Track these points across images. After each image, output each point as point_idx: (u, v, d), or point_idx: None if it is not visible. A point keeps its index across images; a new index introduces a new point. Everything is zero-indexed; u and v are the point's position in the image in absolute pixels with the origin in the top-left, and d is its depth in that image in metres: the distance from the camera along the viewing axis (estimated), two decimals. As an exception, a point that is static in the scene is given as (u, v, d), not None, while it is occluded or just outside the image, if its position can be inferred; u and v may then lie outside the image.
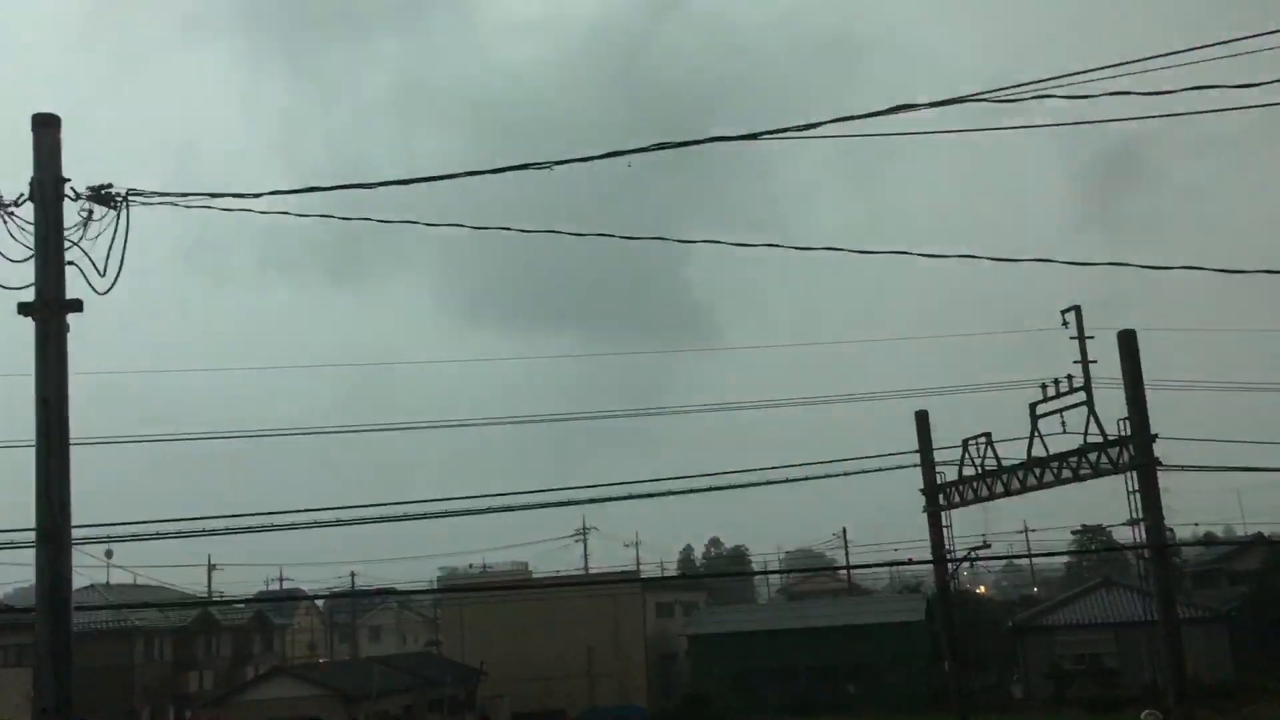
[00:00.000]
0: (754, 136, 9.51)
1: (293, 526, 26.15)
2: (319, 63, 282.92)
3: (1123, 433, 29.27)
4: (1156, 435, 28.92)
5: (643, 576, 76.40)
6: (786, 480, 29.44)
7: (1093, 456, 30.35)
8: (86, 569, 68.88)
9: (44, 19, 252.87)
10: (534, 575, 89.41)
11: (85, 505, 10.29)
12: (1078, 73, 8.88)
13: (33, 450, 10.01)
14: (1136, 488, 28.80)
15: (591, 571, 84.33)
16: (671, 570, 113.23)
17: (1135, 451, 28.82)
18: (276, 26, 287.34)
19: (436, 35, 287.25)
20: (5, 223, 10.04)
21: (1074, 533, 79.98)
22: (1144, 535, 28.69)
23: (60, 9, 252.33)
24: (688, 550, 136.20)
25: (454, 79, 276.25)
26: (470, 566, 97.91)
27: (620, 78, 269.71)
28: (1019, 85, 8.88)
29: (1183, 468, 30.83)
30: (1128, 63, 8.84)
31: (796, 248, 11.28)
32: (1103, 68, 8.81)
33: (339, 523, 25.36)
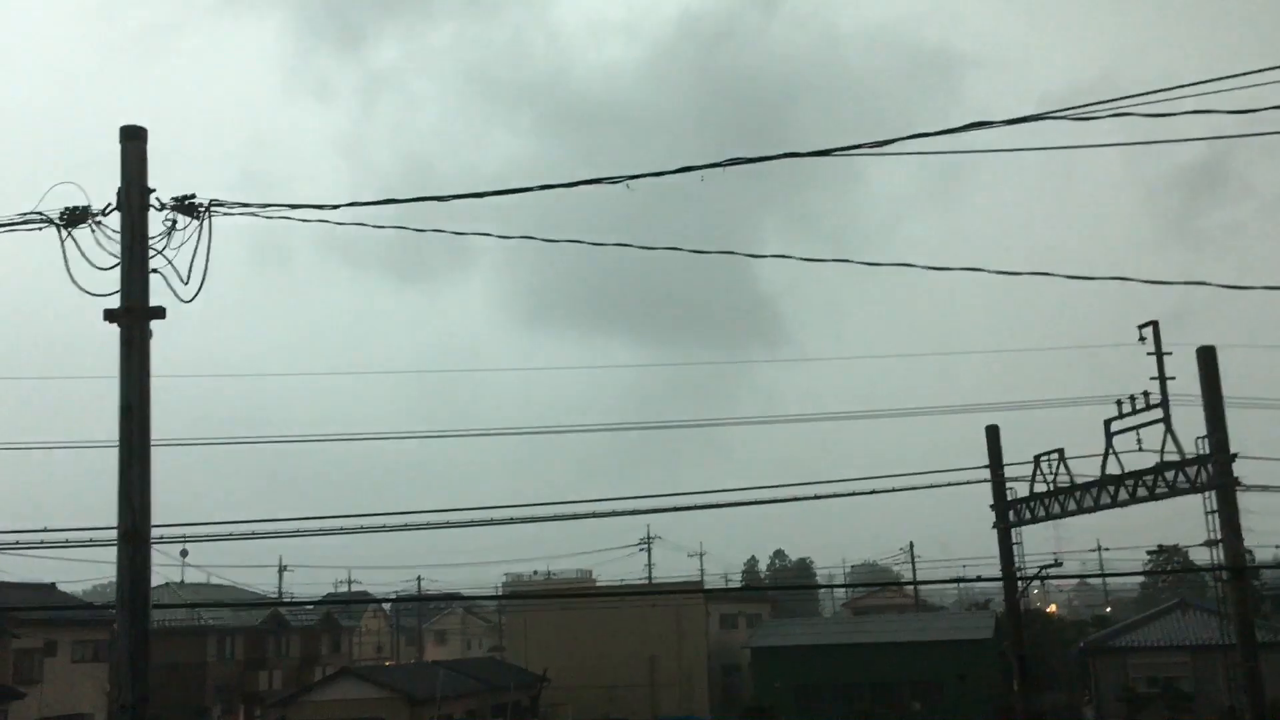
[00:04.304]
0: (827, 153, 9.48)
1: (361, 530, 26.56)
2: (385, 46, 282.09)
3: (1201, 451, 28.61)
4: (1236, 454, 28.22)
5: (707, 587, 76.19)
6: (853, 494, 29.14)
7: (1170, 475, 29.69)
8: (161, 567, 70.54)
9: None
10: (598, 583, 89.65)
11: (160, 504, 10.53)
12: (1156, 90, 8.73)
13: (113, 451, 10.28)
14: (1215, 508, 28.14)
15: (655, 581, 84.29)
16: (736, 582, 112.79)
17: (1214, 470, 28.14)
18: (329, 4, 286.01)
19: (509, 26, 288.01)
20: (93, 231, 10.36)
21: (1149, 553, 78.40)
22: (1222, 556, 28.01)
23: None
24: (752, 562, 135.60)
25: (526, 69, 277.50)
26: (534, 573, 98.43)
27: (707, 76, 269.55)
28: (1097, 103, 8.75)
29: (1264, 488, 30.06)
30: (1207, 81, 8.68)
31: (867, 263, 11.22)
32: (1181, 86, 8.65)
33: (406, 527, 25.65)
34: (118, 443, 10.19)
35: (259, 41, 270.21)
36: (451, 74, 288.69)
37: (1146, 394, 30.29)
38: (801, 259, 11.74)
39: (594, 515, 28.01)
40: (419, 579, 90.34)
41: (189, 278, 10.36)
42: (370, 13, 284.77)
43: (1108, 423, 31.36)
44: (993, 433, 36.33)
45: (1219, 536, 27.95)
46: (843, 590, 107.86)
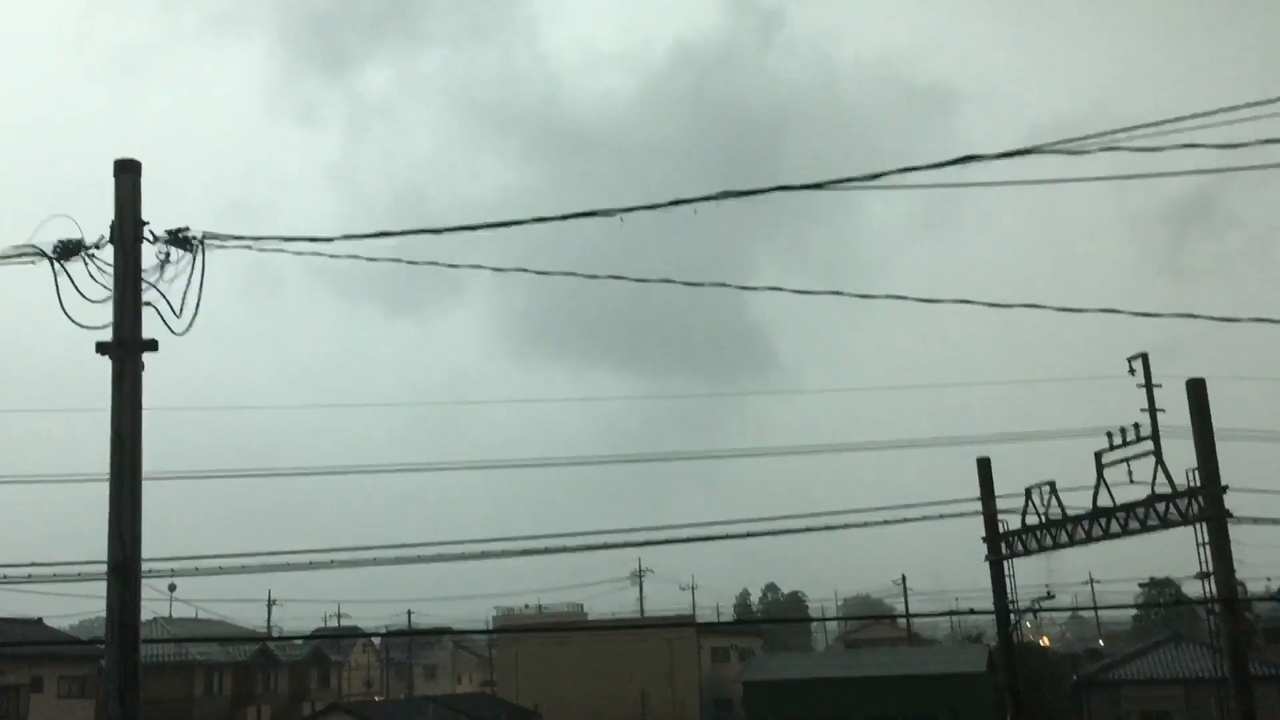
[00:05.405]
0: (818, 186, 9.53)
1: (351, 564, 26.35)
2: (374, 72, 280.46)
3: (1192, 483, 28.61)
4: (1227, 486, 28.21)
5: (698, 621, 75.80)
6: (845, 526, 29.02)
7: (1161, 507, 29.66)
8: (149, 601, 69.79)
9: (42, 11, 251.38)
10: (589, 617, 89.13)
11: (148, 538, 10.47)
12: (1145, 124, 8.82)
13: (103, 484, 10.22)
14: (1206, 540, 28.10)
15: (647, 614, 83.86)
16: (727, 615, 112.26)
17: (1205, 503, 28.13)
18: (316, 28, 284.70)
19: (500, 53, 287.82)
20: (86, 264, 10.34)
21: (1142, 585, 78.32)
22: (1214, 589, 27.95)
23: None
24: (744, 595, 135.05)
25: (517, 96, 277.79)
26: (525, 607, 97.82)
27: (702, 106, 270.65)
28: (1087, 137, 8.83)
29: (1255, 520, 30.05)
30: (1195, 115, 8.76)
31: (858, 295, 11.26)
32: (1170, 120, 8.73)
33: (396, 561, 25.46)
34: (108, 476, 10.14)
35: (244, 66, 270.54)
36: (442, 100, 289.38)
37: (1137, 426, 30.30)
38: (794, 291, 11.80)
39: (585, 548, 27.84)
40: (409, 613, 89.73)
41: (181, 310, 10.35)
42: (357, 37, 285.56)
43: (1098, 455, 31.35)
44: (984, 465, 36.30)
45: (1210, 569, 27.90)
46: (835, 623, 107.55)
